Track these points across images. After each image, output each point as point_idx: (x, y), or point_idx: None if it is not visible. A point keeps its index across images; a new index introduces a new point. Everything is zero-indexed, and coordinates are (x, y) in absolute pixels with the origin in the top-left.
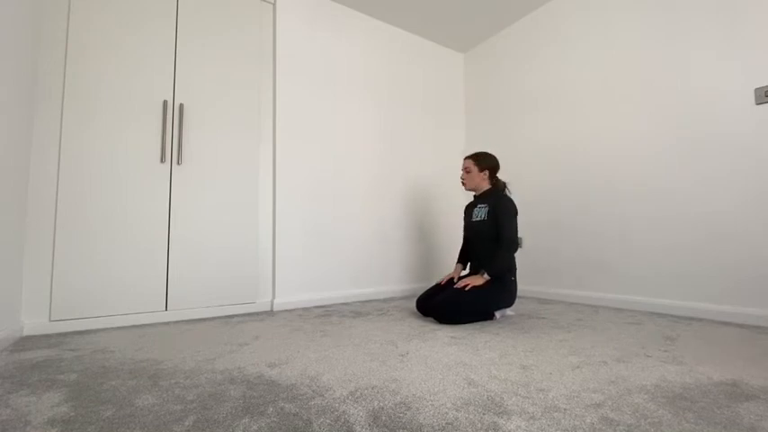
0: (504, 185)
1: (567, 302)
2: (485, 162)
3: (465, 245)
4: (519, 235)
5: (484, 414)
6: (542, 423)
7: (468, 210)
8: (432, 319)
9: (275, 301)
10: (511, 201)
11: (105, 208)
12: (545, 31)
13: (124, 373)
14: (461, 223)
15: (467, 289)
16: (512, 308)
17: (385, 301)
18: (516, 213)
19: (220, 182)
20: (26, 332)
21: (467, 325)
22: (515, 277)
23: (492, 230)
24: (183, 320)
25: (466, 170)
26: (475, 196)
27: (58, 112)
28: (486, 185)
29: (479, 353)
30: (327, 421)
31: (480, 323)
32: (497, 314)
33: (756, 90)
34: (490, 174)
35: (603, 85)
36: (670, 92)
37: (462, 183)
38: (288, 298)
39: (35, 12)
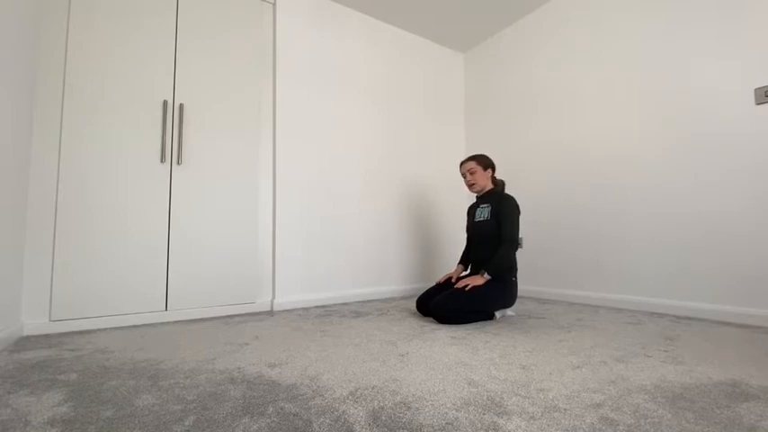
0: (503, 184)
1: (567, 302)
2: (485, 161)
3: (468, 246)
4: (519, 235)
5: (484, 414)
6: (542, 423)
7: (471, 210)
8: (432, 319)
9: (275, 301)
10: (513, 199)
11: (105, 208)
12: (545, 31)
13: (124, 373)
14: (462, 223)
15: (467, 289)
16: (512, 308)
17: (385, 300)
18: (519, 212)
19: (220, 182)
20: (26, 332)
21: (467, 325)
22: (516, 278)
23: (495, 230)
24: (182, 320)
25: (471, 172)
26: (477, 197)
27: (58, 112)
28: (489, 185)
29: (479, 353)
30: (327, 421)
31: (480, 323)
32: (497, 314)
33: (756, 90)
34: (492, 173)
35: (603, 85)
36: (670, 92)
37: (470, 186)
38: (288, 298)
39: (35, 12)
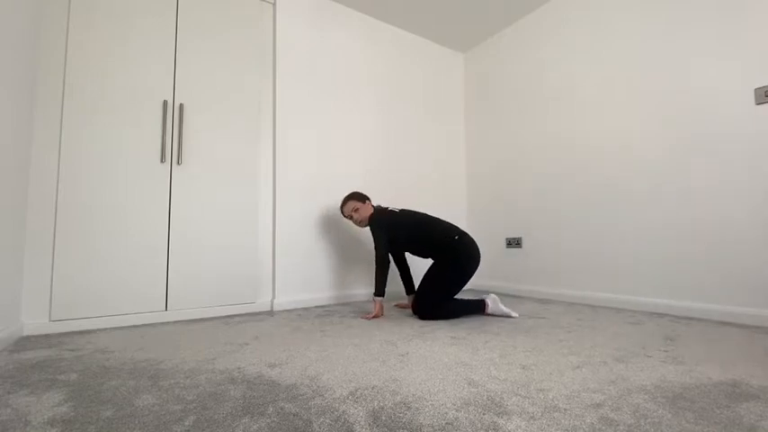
0: (375, 209)
1: (567, 302)
2: (361, 196)
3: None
4: (519, 235)
5: (484, 414)
6: (542, 423)
7: None
8: (431, 319)
9: (275, 301)
10: (375, 220)
11: (105, 208)
12: (545, 31)
13: (124, 373)
14: (462, 222)
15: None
16: (513, 309)
17: (385, 300)
18: (378, 228)
19: (220, 182)
20: (26, 332)
21: (467, 325)
22: (453, 244)
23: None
24: (182, 320)
25: (355, 210)
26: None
27: (58, 112)
28: (370, 212)
29: (479, 353)
30: (327, 421)
31: (480, 323)
32: (489, 302)
33: (756, 90)
34: (370, 202)
35: (603, 85)
36: (670, 92)
37: (359, 222)
38: (288, 298)
39: (35, 12)
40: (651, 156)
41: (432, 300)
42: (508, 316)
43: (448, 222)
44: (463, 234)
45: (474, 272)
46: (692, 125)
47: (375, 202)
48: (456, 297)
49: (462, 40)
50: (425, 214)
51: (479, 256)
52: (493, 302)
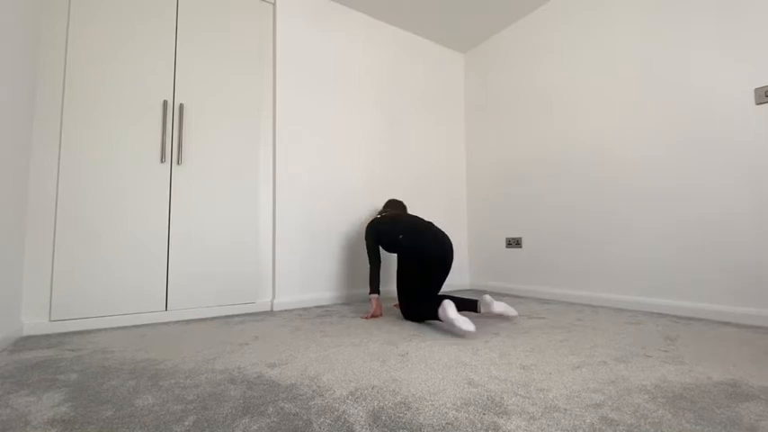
0: (378, 216)
1: (566, 302)
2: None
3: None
4: (519, 235)
5: (484, 414)
6: (542, 423)
7: None
8: (430, 319)
9: (275, 301)
10: (366, 229)
11: (105, 208)
12: (545, 32)
13: (124, 373)
14: (462, 221)
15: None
16: (513, 308)
17: (384, 300)
18: (367, 236)
19: (220, 182)
20: (26, 332)
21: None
22: (401, 247)
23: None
24: (182, 320)
25: None
26: None
27: (58, 112)
28: None
29: (479, 353)
30: (327, 421)
31: (480, 323)
32: (440, 314)
33: (756, 90)
34: (378, 214)
35: (603, 86)
36: (670, 92)
37: None
38: (288, 298)
39: (35, 12)
40: (651, 155)
41: (400, 299)
42: (504, 314)
43: (413, 217)
44: (414, 232)
45: (428, 269)
46: (692, 125)
47: (375, 201)
48: (451, 296)
49: (462, 40)
50: (404, 215)
51: (433, 253)
52: (485, 306)
